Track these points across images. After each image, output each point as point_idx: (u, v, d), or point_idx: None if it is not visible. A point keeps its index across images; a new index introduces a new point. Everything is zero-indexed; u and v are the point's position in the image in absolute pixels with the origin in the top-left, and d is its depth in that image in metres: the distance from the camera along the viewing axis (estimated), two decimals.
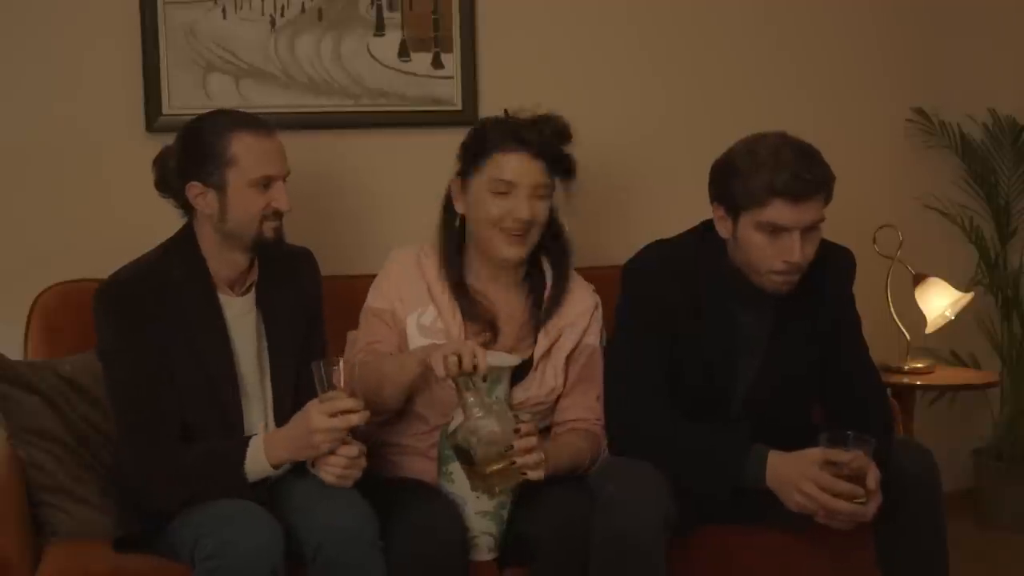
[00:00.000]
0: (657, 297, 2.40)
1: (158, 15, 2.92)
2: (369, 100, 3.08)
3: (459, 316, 2.46)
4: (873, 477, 2.18)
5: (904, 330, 3.37)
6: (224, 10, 2.97)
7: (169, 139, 2.46)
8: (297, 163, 2.38)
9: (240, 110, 2.41)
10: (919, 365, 3.34)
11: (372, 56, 3.07)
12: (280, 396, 2.37)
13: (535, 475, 2.22)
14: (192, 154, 2.31)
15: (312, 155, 2.81)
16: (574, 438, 2.46)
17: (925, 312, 3.37)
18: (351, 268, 2.78)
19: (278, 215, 2.33)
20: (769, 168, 2.25)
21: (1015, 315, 3.70)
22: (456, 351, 2.17)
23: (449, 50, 3.11)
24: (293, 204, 2.34)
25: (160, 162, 2.40)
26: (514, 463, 2.18)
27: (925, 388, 3.36)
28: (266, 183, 2.30)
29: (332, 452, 2.18)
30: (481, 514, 2.29)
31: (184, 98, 2.94)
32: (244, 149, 2.28)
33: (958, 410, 3.71)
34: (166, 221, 2.42)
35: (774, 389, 2.42)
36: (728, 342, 2.41)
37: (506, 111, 2.51)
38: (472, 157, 2.46)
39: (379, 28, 3.07)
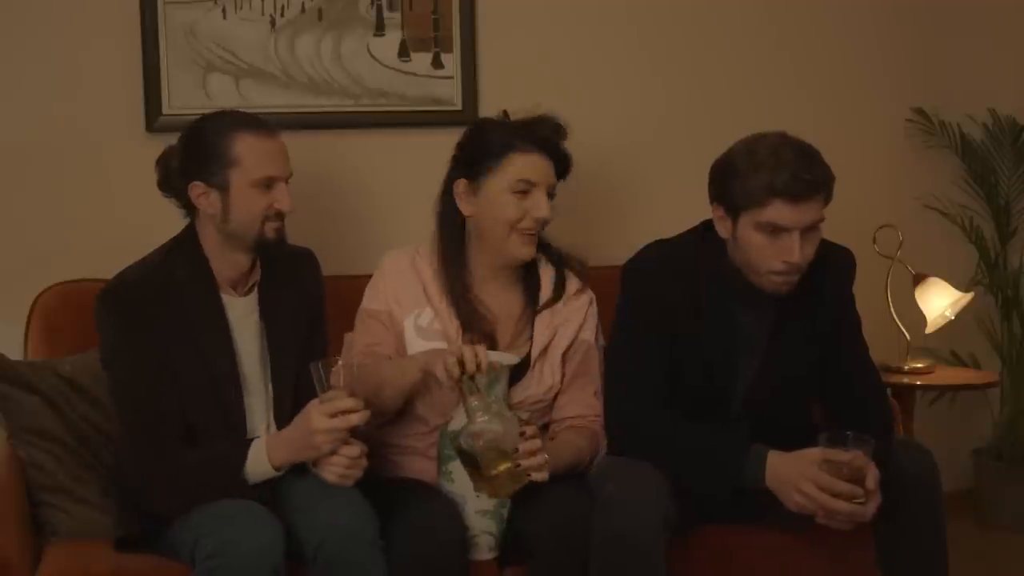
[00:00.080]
0: (657, 297, 2.40)
1: (158, 15, 2.92)
2: (369, 100, 3.08)
3: (456, 317, 2.46)
4: (872, 477, 2.17)
5: (904, 330, 3.37)
6: (224, 10, 2.97)
7: (169, 139, 2.46)
8: (297, 163, 2.39)
9: (243, 111, 2.42)
10: (919, 365, 3.34)
11: (372, 56, 3.07)
12: (281, 396, 2.37)
13: (540, 476, 2.22)
14: (195, 154, 2.32)
15: (312, 155, 2.81)
16: (573, 436, 2.46)
17: (925, 312, 3.37)
18: (351, 268, 2.78)
19: (280, 216, 2.34)
20: (769, 168, 2.25)
21: (1015, 315, 3.70)
22: (456, 354, 2.17)
23: (449, 50, 3.11)
24: (293, 204, 2.34)
25: (163, 162, 2.40)
26: (519, 465, 2.18)
27: (925, 388, 3.36)
28: (268, 184, 2.31)
29: (333, 452, 2.18)
30: (481, 513, 2.29)
31: (184, 98, 2.94)
32: (247, 150, 2.29)
33: (958, 410, 3.71)
34: (166, 221, 2.43)
35: (774, 389, 2.42)
36: (728, 342, 2.41)
37: (505, 112, 2.51)
38: (482, 158, 2.45)
39: (379, 28, 3.07)
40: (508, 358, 2.38)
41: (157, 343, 2.26)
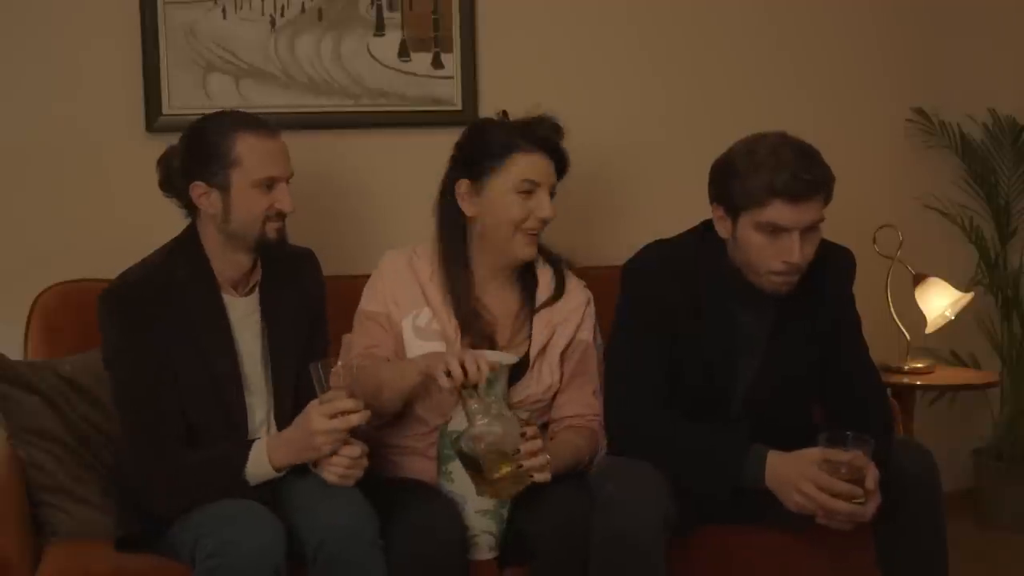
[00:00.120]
0: (657, 297, 2.40)
1: (158, 15, 2.92)
2: (369, 100, 3.08)
3: (454, 317, 2.46)
4: (872, 477, 2.17)
5: (904, 330, 3.37)
6: (224, 10, 2.97)
7: (169, 139, 2.46)
8: (297, 163, 2.39)
9: (244, 111, 2.42)
10: (919, 365, 3.34)
11: (372, 56, 3.07)
12: (282, 396, 2.37)
13: (542, 477, 2.22)
14: (196, 154, 2.32)
15: (312, 155, 2.81)
16: (573, 436, 2.46)
17: (925, 312, 3.37)
18: (351, 268, 2.78)
19: (281, 216, 2.34)
20: (768, 168, 2.25)
21: (1015, 315, 3.70)
22: (458, 359, 2.17)
23: (449, 50, 3.11)
24: (294, 204, 2.34)
25: (164, 162, 2.41)
26: (521, 466, 2.18)
27: (925, 388, 3.36)
28: (270, 184, 2.31)
29: (334, 452, 2.18)
30: (481, 513, 2.29)
31: (184, 98, 2.94)
32: (248, 150, 2.29)
33: (958, 410, 3.71)
34: (166, 221, 2.43)
35: (774, 389, 2.42)
36: (728, 342, 2.41)
37: (504, 112, 2.51)
38: (483, 158, 2.45)
39: (379, 28, 3.07)
40: (507, 357, 2.38)
41: (158, 343, 2.26)
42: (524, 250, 2.47)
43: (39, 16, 2.88)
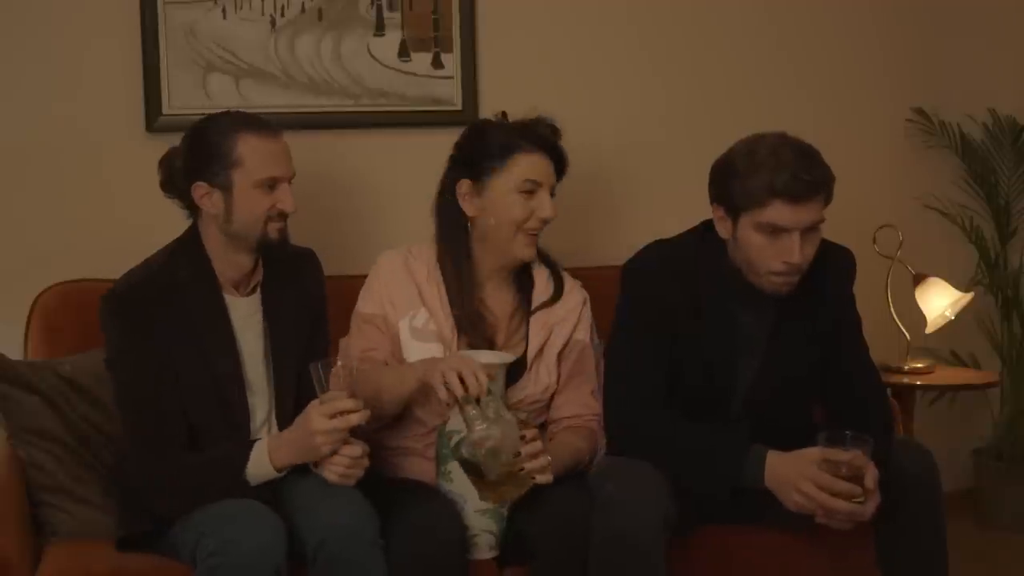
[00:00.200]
0: (657, 297, 2.40)
1: (158, 15, 2.92)
2: (369, 100, 3.08)
3: (451, 318, 2.46)
4: (871, 476, 2.17)
5: (904, 330, 3.37)
6: (224, 10, 2.97)
7: (169, 139, 2.46)
8: (298, 163, 2.39)
9: (246, 111, 2.42)
10: (919, 365, 3.34)
11: (372, 56, 3.07)
12: (283, 396, 2.38)
13: (543, 479, 2.22)
14: (198, 155, 2.32)
15: (312, 155, 2.81)
16: (572, 437, 2.46)
17: (925, 312, 3.37)
18: (351, 268, 2.78)
19: (283, 216, 2.35)
20: (769, 169, 2.25)
21: (1015, 315, 3.70)
22: (457, 370, 2.17)
23: (449, 50, 3.11)
24: (296, 205, 2.34)
25: (166, 163, 2.41)
26: (522, 469, 2.18)
27: (925, 388, 3.36)
28: (271, 184, 2.32)
29: (334, 452, 2.18)
30: (481, 512, 2.29)
31: (184, 98, 2.94)
32: (250, 150, 2.29)
33: (958, 410, 3.71)
34: (166, 221, 2.43)
35: (774, 389, 2.42)
36: (728, 342, 2.41)
37: (504, 113, 2.52)
38: (484, 159, 2.45)
39: (379, 28, 3.07)
40: (505, 357, 2.38)
41: (160, 344, 2.26)
42: (524, 251, 2.47)
43: (39, 16, 2.88)
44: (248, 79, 3.00)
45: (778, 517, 2.27)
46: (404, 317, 2.46)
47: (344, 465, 2.19)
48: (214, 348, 2.31)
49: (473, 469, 2.17)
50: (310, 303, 2.47)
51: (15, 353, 2.58)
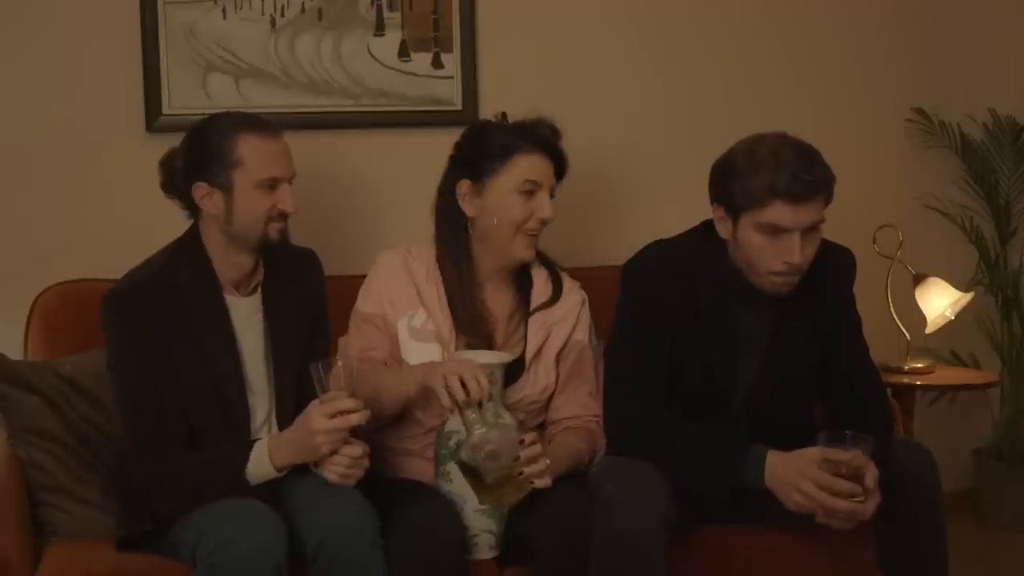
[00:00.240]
0: (657, 297, 2.40)
1: (158, 15, 2.92)
2: (369, 100, 3.08)
3: (450, 318, 2.46)
4: (871, 476, 2.17)
5: (904, 330, 3.37)
6: (224, 10, 2.97)
7: (169, 139, 2.46)
8: (298, 163, 2.39)
9: (247, 112, 2.42)
10: (919, 365, 3.34)
11: (372, 56, 3.07)
12: (284, 396, 2.38)
13: (542, 483, 2.22)
14: (198, 155, 2.32)
15: (312, 155, 2.81)
16: (571, 438, 2.46)
17: (925, 312, 3.37)
18: (352, 268, 2.78)
19: (283, 216, 2.35)
20: (769, 169, 2.25)
21: (1015, 315, 3.70)
22: (457, 374, 2.17)
23: (449, 50, 3.11)
24: (296, 205, 2.34)
25: (167, 163, 2.41)
26: (521, 473, 2.18)
27: (925, 388, 3.36)
28: (272, 184, 2.32)
29: (335, 452, 2.18)
30: (481, 512, 2.29)
31: (184, 98, 2.94)
32: (250, 151, 2.29)
33: (958, 410, 3.71)
34: (166, 221, 2.43)
35: (774, 389, 2.42)
36: (728, 342, 2.41)
37: (504, 114, 2.52)
38: (484, 159, 2.45)
39: (379, 28, 3.07)
40: (504, 357, 2.38)
41: (161, 344, 2.27)
42: (524, 251, 2.47)
43: (39, 16, 2.88)
44: (248, 79, 3.00)
45: (778, 517, 2.27)
46: (403, 317, 2.46)
47: (344, 465, 2.19)
48: (214, 348, 2.31)
49: (472, 473, 2.17)
50: (310, 303, 2.47)
51: (15, 353, 2.58)
